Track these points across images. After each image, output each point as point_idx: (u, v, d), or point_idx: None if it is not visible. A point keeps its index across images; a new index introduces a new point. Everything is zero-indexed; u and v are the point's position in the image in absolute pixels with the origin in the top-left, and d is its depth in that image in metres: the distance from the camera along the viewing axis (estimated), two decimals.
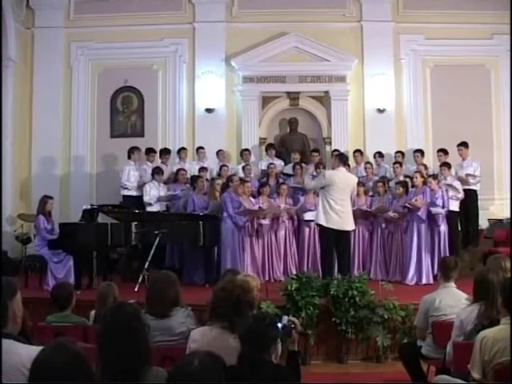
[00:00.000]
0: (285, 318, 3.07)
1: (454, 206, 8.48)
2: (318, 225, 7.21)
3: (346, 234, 7.14)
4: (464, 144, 9.16)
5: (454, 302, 4.32)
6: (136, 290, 6.82)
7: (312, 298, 6.01)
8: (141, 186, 9.00)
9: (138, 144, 9.75)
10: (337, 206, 6.96)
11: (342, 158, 7.40)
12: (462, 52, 10.54)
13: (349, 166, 9.27)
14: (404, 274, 8.00)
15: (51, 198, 8.01)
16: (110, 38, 10.56)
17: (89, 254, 7.88)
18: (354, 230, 8.21)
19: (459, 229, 8.88)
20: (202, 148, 9.89)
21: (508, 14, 9.27)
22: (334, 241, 7.08)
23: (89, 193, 10.52)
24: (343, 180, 7.08)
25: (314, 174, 9.14)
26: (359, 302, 6.01)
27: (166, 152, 9.62)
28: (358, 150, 9.89)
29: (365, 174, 9.31)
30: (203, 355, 2.03)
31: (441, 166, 8.80)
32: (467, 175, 8.85)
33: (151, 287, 3.76)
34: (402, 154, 9.57)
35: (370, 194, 8.86)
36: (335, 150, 9.77)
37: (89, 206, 8.35)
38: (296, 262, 8.53)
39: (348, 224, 7.09)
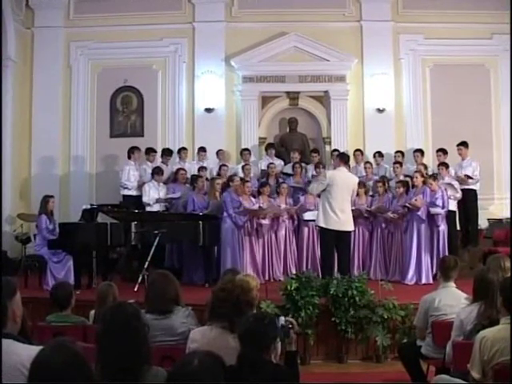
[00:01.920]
0: (282, 319, 3.07)
1: (452, 206, 8.49)
2: (318, 226, 7.22)
3: (345, 235, 7.12)
4: (464, 144, 9.15)
5: (453, 301, 4.32)
6: (136, 289, 6.82)
7: (312, 298, 6.00)
8: (141, 186, 8.99)
9: (137, 144, 9.75)
10: (337, 206, 6.93)
11: (342, 158, 7.38)
12: (462, 52, 10.55)
13: (349, 166, 9.29)
14: (404, 274, 8.00)
15: (52, 196, 8.01)
16: (110, 38, 10.56)
17: (88, 253, 7.88)
18: (354, 230, 8.23)
19: (458, 228, 8.89)
20: (203, 150, 9.86)
21: (508, 13, 9.27)
22: (333, 241, 7.07)
23: (88, 193, 10.52)
24: (344, 180, 7.06)
25: (314, 173, 9.15)
26: (359, 301, 6.00)
27: (168, 153, 9.60)
28: (358, 150, 9.90)
29: (364, 174, 9.30)
30: (203, 355, 2.03)
31: (439, 165, 8.81)
32: (466, 176, 8.83)
33: (150, 286, 3.76)
34: (402, 153, 9.56)
35: (370, 193, 8.85)
36: (335, 150, 9.78)
37: (88, 206, 8.35)
38: (296, 261, 8.53)
39: (348, 224, 7.07)
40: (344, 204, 6.99)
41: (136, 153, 9.33)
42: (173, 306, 3.63)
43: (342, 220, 6.97)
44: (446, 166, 8.72)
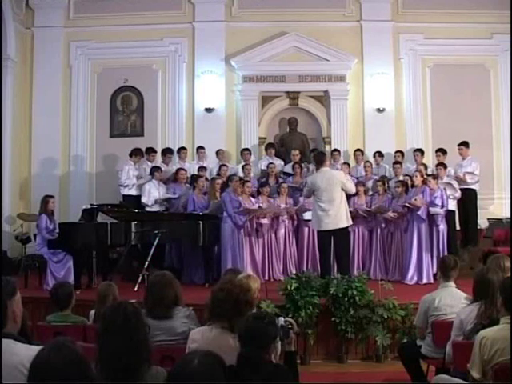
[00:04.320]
0: (281, 319, 3.06)
1: (452, 206, 8.50)
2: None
3: (341, 232, 7.13)
4: (465, 144, 9.15)
5: (453, 301, 4.32)
6: (136, 289, 6.82)
7: (312, 298, 6.00)
8: (141, 186, 8.97)
9: (137, 143, 9.76)
10: (325, 207, 7.01)
11: (318, 158, 7.40)
12: (462, 51, 10.54)
13: (348, 165, 9.30)
14: (404, 274, 8.00)
15: (52, 196, 7.99)
16: (110, 38, 10.56)
17: (88, 253, 7.88)
18: (354, 230, 8.25)
19: (457, 228, 8.89)
20: (202, 148, 9.86)
21: (508, 13, 9.26)
22: (330, 241, 7.12)
23: (88, 192, 10.52)
24: (326, 180, 7.08)
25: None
26: (359, 301, 6.01)
27: (169, 152, 9.58)
28: (358, 150, 9.90)
29: (364, 174, 9.31)
30: (203, 355, 2.03)
31: (437, 165, 8.81)
32: (466, 173, 8.83)
33: (149, 290, 3.74)
34: (402, 153, 9.56)
35: (370, 193, 8.85)
36: (335, 150, 9.78)
37: (88, 206, 8.34)
38: (296, 261, 8.53)
39: (341, 221, 7.08)
40: (332, 203, 7.01)
41: (138, 155, 9.32)
42: (172, 311, 3.62)
43: (332, 219, 7.02)
44: (444, 166, 8.72)
